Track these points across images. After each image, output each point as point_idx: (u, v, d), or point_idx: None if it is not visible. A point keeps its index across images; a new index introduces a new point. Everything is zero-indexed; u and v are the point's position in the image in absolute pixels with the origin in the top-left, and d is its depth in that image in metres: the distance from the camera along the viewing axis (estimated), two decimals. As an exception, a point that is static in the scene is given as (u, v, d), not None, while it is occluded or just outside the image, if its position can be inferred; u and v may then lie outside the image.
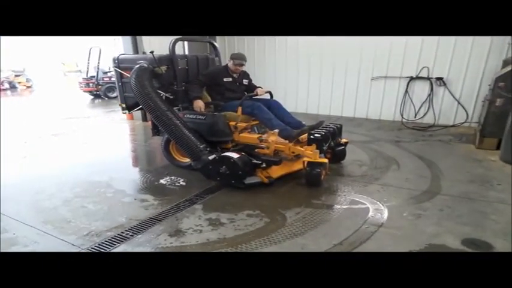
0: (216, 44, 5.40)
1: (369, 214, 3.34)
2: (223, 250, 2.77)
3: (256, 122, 4.64)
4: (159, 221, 3.26)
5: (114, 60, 4.88)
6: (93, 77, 13.95)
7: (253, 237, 2.94)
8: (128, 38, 7.40)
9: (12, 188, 4.10)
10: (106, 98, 13.64)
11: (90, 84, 13.99)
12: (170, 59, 4.54)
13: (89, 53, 14.05)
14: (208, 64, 5.21)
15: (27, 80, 21.24)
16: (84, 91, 14.38)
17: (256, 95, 4.73)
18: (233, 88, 4.75)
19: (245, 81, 4.95)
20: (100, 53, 13.59)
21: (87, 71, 14.50)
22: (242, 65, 4.75)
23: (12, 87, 19.92)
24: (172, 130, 4.13)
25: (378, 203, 3.58)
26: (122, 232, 3.06)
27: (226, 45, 9.51)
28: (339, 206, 3.54)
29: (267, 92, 4.93)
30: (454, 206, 3.51)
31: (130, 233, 3.03)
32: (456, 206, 3.51)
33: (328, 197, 3.77)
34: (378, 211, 3.40)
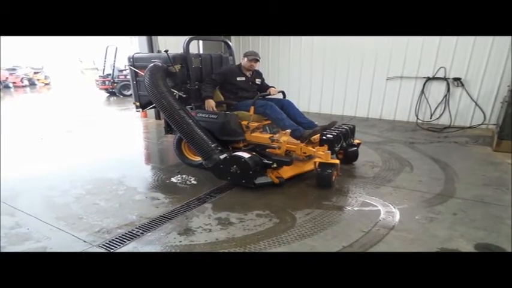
0: (230, 43, 5.41)
1: (380, 216, 3.29)
2: (231, 250, 2.77)
3: (268, 122, 4.62)
4: (169, 219, 3.28)
5: (129, 58, 4.94)
6: (109, 75, 14.14)
7: (262, 238, 2.93)
8: (144, 37, 7.47)
9: (26, 184, 4.19)
10: (121, 96, 13.83)
11: (106, 82, 14.20)
12: (184, 58, 4.56)
13: (106, 51, 14.25)
14: (222, 63, 5.22)
15: (46, 77, 21.70)
16: (101, 89, 14.63)
17: (269, 94, 4.71)
18: (246, 87, 4.75)
19: (258, 81, 4.94)
20: (116, 51, 13.77)
21: (104, 69, 14.71)
22: (257, 60, 4.73)
23: (32, 84, 20.41)
24: (184, 129, 4.14)
25: (390, 205, 3.53)
26: (133, 230, 3.09)
27: (241, 45, 9.51)
28: (349, 208, 3.50)
29: (279, 92, 4.91)
30: (467, 209, 3.43)
31: (141, 231, 3.06)
32: (470, 209, 3.44)
33: (339, 199, 3.73)
34: (390, 214, 3.35)
